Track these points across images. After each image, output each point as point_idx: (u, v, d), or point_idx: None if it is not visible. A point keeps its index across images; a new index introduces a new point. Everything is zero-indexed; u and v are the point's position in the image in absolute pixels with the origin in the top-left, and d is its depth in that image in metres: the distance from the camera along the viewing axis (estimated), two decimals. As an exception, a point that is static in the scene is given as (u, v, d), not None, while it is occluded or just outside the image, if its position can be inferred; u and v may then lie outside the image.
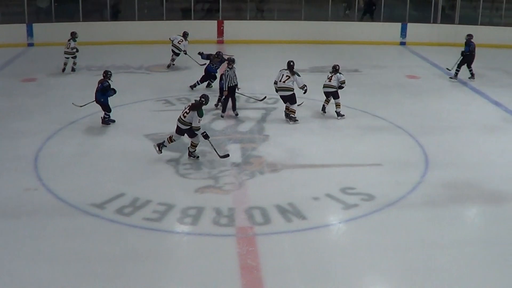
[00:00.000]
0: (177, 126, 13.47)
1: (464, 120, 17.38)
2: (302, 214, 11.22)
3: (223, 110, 16.68)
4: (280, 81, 16.26)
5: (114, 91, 15.63)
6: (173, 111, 16.20)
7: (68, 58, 21.21)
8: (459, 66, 21.75)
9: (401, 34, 28.66)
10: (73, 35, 21.23)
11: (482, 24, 28.94)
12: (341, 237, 10.95)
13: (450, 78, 22.02)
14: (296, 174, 13.15)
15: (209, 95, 13.86)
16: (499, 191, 12.81)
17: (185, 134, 13.55)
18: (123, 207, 11.31)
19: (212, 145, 13.56)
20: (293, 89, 16.23)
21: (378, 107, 17.93)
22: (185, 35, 21.98)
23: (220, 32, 26.75)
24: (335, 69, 17.07)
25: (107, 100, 15.67)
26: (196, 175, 12.84)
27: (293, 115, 16.40)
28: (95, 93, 15.70)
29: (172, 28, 23.92)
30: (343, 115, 16.79)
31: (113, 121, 15.89)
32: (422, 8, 30.16)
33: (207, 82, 19.44)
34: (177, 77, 21.12)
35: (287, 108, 16.52)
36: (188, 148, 13.86)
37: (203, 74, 19.16)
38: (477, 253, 10.41)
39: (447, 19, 30.24)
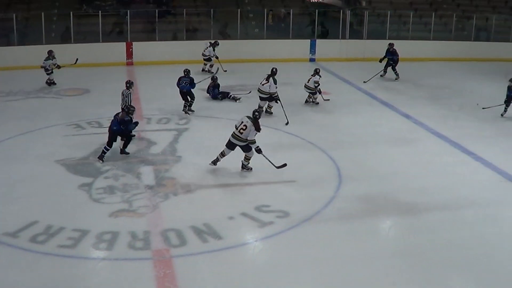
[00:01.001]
0: (230, 141, 14.22)
1: (375, 134, 17.77)
2: (218, 234, 11.20)
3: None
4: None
5: (136, 124, 15.21)
6: (84, 135, 16.03)
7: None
8: (394, 70, 23.84)
9: (310, 50, 29.07)
10: None
11: (390, 38, 29.70)
12: (258, 255, 10.96)
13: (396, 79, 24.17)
14: (210, 194, 13.14)
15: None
16: (413, 202, 13.15)
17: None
18: (36, 235, 11.03)
19: (266, 158, 14.10)
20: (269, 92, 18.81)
21: (290, 124, 18.15)
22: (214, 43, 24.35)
23: (129, 54, 26.50)
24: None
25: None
26: (110, 199, 12.65)
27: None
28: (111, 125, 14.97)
29: (81, 51, 23.66)
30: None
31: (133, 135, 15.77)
32: (331, 24, 30.70)
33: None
34: (87, 101, 20.84)
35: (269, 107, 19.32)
36: (242, 161, 14.39)
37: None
38: (394, 264, 10.62)
39: (356, 34, 30.90)
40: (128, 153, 15.07)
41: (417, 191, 13.82)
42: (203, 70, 25.10)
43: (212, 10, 27.80)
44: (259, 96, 19.27)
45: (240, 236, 11.46)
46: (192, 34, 28.12)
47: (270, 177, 14.05)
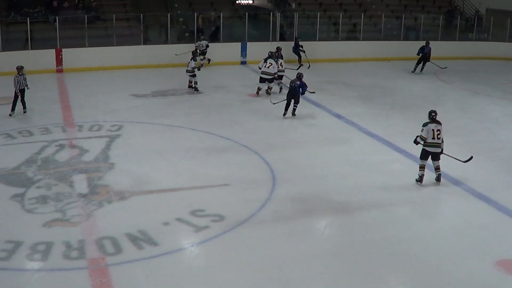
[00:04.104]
0: (428, 152, 14.22)
1: (308, 134, 17.94)
2: (154, 241, 11.11)
3: (12, 109, 18.49)
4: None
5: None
6: (15, 145, 15.75)
7: None
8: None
9: (241, 53, 29.12)
10: None
11: (320, 39, 29.99)
12: (195, 260, 10.90)
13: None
14: (144, 201, 13.01)
15: None
16: (347, 201, 13.33)
17: None
18: (-32, 248, 10.78)
19: (450, 156, 14.42)
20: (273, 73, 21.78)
21: (222, 127, 18.16)
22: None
23: (59, 61, 26.07)
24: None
25: None
26: (43, 209, 12.40)
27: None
28: None
29: (10, 59, 23.21)
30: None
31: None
32: (261, 27, 30.81)
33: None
34: (16, 109, 20.40)
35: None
36: (438, 173, 14.36)
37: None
38: (331, 264, 10.74)
39: (286, 36, 31.08)
40: None
41: (351, 190, 14.02)
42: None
43: (141, 15, 27.59)
44: (262, 77, 22.35)
45: (176, 241, 11.38)
46: (122, 39, 27.78)
47: (204, 181, 14.04)
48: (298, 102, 19.63)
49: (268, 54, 23.01)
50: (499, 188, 14.50)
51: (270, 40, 30.04)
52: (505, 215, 13.18)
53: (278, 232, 11.82)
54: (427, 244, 11.65)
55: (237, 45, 28.91)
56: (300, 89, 19.55)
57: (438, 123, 14.09)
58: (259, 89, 22.69)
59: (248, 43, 29.29)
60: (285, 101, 19.49)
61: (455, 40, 34.66)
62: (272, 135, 17.71)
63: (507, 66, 32.60)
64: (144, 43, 27.82)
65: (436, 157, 14.22)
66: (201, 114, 19.55)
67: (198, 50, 25.72)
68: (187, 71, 22.68)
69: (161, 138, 17.02)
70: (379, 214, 12.94)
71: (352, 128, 18.87)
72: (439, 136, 14.05)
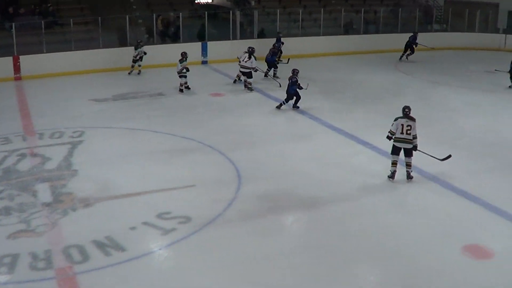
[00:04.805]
0: (397, 147, 14.11)
1: (272, 132, 17.96)
2: (121, 246, 10.99)
3: None
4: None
5: None
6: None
7: None
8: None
9: (202, 53, 29.01)
10: None
11: (258, 37, 30.06)
12: (164, 263, 10.82)
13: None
14: (110, 206, 12.86)
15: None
16: (314, 196, 13.38)
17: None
18: None
19: (425, 153, 14.43)
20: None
21: (185, 128, 18.06)
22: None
23: (17, 69, 25.68)
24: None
25: None
26: (6, 220, 12.17)
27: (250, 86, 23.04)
28: None
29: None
30: None
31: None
32: (221, 25, 30.72)
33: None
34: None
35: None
36: (407, 170, 14.31)
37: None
38: (301, 260, 10.75)
39: (246, 34, 31.04)
40: None
41: (317, 185, 14.06)
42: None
43: (100, 18, 27.30)
44: (241, 71, 23.43)
45: (144, 245, 11.27)
46: (80, 43, 27.45)
47: (169, 183, 13.94)
48: (299, 97, 20.32)
49: (248, 50, 23.56)
50: (462, 175, 14.70)
51: (231, 38, 30.00)
52: (469, 201, 13.41)
53: (246, 230, 11.82)
54: (396, 235, 11.78)
55: (198, 45, 28.77)
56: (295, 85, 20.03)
57: (411, 119, 14.03)
58: (238, 76, 24.07)
59: (208, 42, 29.18)
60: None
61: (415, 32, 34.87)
62: (236, 134, 17.66)
63: (465, 56, 32.98)
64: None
65: (407, 153, 14.20)
66: (163, 116, 19.45)
67: (139, 56, 25.46)
68: (177, 72, 22.68)
69: (124, 142, 16.86)
70: (347, 207, 13.01)
71: (315, 123, 18.91)
72: (408, 132, 13.97)
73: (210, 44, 29.10)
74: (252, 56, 23.34)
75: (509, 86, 24.59)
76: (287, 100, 20.28)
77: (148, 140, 17.09)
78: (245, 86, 23.52)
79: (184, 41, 29.00)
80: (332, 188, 13.91)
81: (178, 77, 22.76)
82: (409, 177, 14.34)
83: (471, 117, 20.28)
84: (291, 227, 12.54)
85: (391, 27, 34.73)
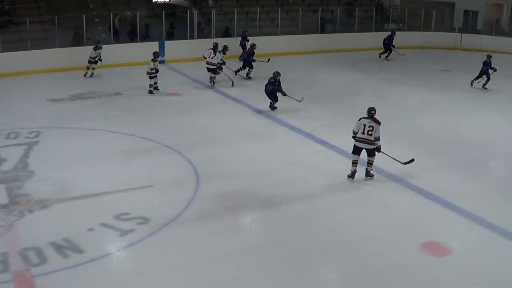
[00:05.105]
0: (357, 147, 14.23)
1: (230, 131, 17.96)
2: (79, 248, 10.89)
3: None
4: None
5: None
6: None
7: None
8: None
9: (160, 52, 28.77)
10: None
11: (238, 35, 30.06)
12: (122, 265, 10.76)
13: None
14: (67, 208, 12.71)
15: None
16: (272, 195, 13.46)
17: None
18: None
19: (388, 155, 14.43)
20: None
21: (143, 128, 17.95)
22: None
23: (-28, 68, 25.29)
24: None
25: None
26: (-39, 223, 12.05)
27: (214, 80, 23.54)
28: None
29: None
30: None
31: None
32: (179, 25, 30.59)
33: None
34: None
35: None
36: (366, 168, 14.48)
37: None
38: (260, 259, 10.80)
39: (204, 34, 30.97)
40: None
41: (275, 184, 14.13)
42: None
43: (56, 17, 26.99)
44: (207, 68, 23.53)
45: (102, 247, 11.18)
46: (37, 42, 27.09)
47: (127, 183, 13.84)
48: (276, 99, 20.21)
49: (213, 45, 23.79)
50: (419, 173, 14.91)
51: (188, 38, 29.90)
52: (426, 199, 13.66)
53: (205, 230, 11.82)
54: (355, 232, 11.94)
55: (155, 45, 28.58)
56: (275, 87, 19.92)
57: (375, 121, 14.14)
58: (210, 77, 23.94)
59: (166, 42, 29.02)
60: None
61: (371, 31, 35.22)
62: (194, 134, 17.62)
63: (422, 55, 33.30)
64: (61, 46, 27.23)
65: (369, 153, 14.34)
66: (121, 116, 19.31)
67: (97, 58, 25.11)
68: (147, 72, 22.59)
69: (81, 143, 16.70)
70: (305, 205, 13.13)
71: (273, 123, 18.98)
72: (370, 133, 14.07)
73: (168, 44, 28.93)
74: (217, 52, 23.60)
75: (483, 86, 24.90)
76: (273, 100, 20.26)
77: (106, 140, 16.96)
78: (212, 82, 23.89)
79: (142, 40, 28.82)
80: (291, 187, 13.99)
81: (148, 77, 22.61)
82: (368, 175, 14.48)
83: (429, 115, 20.54)
84: (250, 226, 12.58)
85: (348, 27, 34.99)
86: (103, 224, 11.78)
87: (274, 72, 20.01)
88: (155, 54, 22.66)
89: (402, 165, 14.80)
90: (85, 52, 25.53)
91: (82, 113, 19.50)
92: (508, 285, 10.42)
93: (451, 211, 13.05)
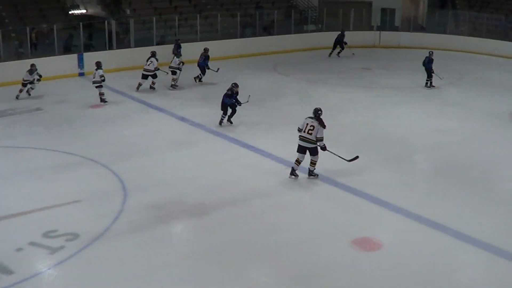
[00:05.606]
0: (300, 145, 14.47)
1: (155, 141, 17.89)
2: (8, 269, 10.70)
3: None
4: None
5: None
6: None
7: None
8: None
9: (79, 65, 28.40)
10: None
11: (158, 44, 29.92)
12: (53, 283, 10.63)
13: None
14: (-7, 228, 12.49)
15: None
16: (201, 203, 13.51)
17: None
18: None
19: (334, 153, 14.68)
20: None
21: (67, 143, 17.69)
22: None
23: None
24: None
25: None
26: None
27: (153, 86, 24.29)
28: None
29: None
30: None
31: None
32: (97, 36, 30.26)
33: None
34: None
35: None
36: (309, 167, 14.70)
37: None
38: (193, 267, 10.87)
39: (123, 44, 30.72)
40: None
41: (204, 191, 14.17)
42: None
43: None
44: (143, 74, 24.20)
45: (32, 266, 10.99)
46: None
47: (54, 200, 13.64)
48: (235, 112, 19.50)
49: (150, 53, 24.62)
50: (345, 171, 15.22)
51: (107, 48, 29.58)
52: (353, 195, 14.03)
53: (135, 242, 11.77)
54: (285, 234, 12.10)
55: (74, 57, 28.19)
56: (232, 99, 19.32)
57: (318, 121, 14.45)
58: (139, 84, 24.38)
59: (84, 53, 28.63)
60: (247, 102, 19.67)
61: (291, 33, 35.55)
62: (119, 146, 17.49)
63: (342, 54, 33.68)
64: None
65: (310, 152, 14.57)
66: (43, 132, 18.98)
67: (35, 79, 24.46)
68: (93, 82, 22.47)
69: (3, 161, 16.38)
70: (234, 210, 13.25)
71: (197, 130, 19.00)
72: (310, 132, 14.36)
73: (86, 55, 28.52)
74: (153, 58, 24.29)
75: (430, 85, 25.46)
76: (224, 114, 19.44)
77: (29, 157, 16.66)
78: (172, 85, 24.80)
79: (60, 53, 28.38)
80: (219, 193, 14.06)
81: (95, 87, 22.48)
82: (310, 174, 14.78)
83: (351, 114, 20.93)
84: (181, 235, 12.60)
85: (268, 29, 35.24)
86: (32, 243, 11.59)
87: (232, 84, 19.41)
88: (97, 64, 22.55)
89: (347, 162, 15.12)
90: (2, 67, 25.02)
91: (2, 131, 19.09)
92: (436, 275, 10.72)
93: (380, 206, 13.39)
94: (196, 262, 11.00)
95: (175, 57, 25.96)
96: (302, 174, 14.86)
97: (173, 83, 25.13)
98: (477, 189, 14.65)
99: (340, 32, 33.47)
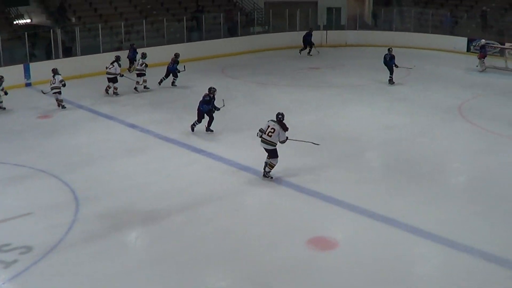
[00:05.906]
0: (262, 147, 14.74)
1: (105, 149, 17.78)
2: (-42, 286, 10.58)
3: None
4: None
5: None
6: None
7: None
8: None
9: (25, 75, 28.04)
10: None
11: (104, 51, 29.69)
12: (8, 297, 10.52)
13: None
14: None
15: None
16: (154, 209, 13.50)
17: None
18: None
19: (298, 140, 15.34)
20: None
21: (16, 154, 17.48)
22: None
23: None
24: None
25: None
26: None
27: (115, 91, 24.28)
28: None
29: None
30: None
31: None
32: (43, 45, 29.91)
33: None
34: None
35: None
36: (265, 169, 14.77)
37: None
38: (149, 275, 10.85)
39: (70, 52, 30.42)
40: None
41: (156, 197, 14.18)
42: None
43: None
44: (107, 78, 24.43)
45: (-15, 282, 10.89)
46: None
47: (5, 213, 13.46)
48: (212, 118, 19.18)
49: (114, 58, 25.04)
50: (296, 171, 15.46)
51: (54, 57, 29.26)
52: (306, 195, 14.17)
53: (90, 252, 11.72)
54: (240, 238, 12.19)
55: (20, 67, 27.84)
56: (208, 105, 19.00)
57: (280, 124, 14.63)
58: (108, 87, 24.87)
59: (31, 63, 28.28)
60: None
61: (238, 36, 35.65)
62: (69, 155, 17.31)
63: (289, 55, 33.96)
64: None
65: (268, 153, 14.78)
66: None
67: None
68: (53, 88, 22.45)
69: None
70: (188, 216, 13.28)
71: (148, 136, 18.95)
72: (270, 134, 14.56)
73: (33, 65, 28.18)
74: (116, 63, 24.71)
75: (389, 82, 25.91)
76: (199, 120, 19.15)
77: (-24, 171, 16.42)
78: (114, 92, 24.77)
79: (5, 64, 27.97)
80: (171, 199, 14.08)
81: (53, 93, 22.57)
82: (265, 175, 14.94)
83: (301, 114, 21.03)
84: (136, 242, 12.57)
85: (215, 33, 35.25)
86: (-16, 258, 11.45)
87: (211, 89, 19.18)
88: (54, 71, 22.51)
89: (315, 145, 15.71)
90: None
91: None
92: (392, 270, 10.92)
93: (333, 205, 13.57)
94: (153, 269, 10.99)
95: (140, 59, 26.05)
96: (255, 176, 14.94)
97: (144, 84, 25.65)
98: (429, 183, 14.95)
99: (307, 31, 34.22)
